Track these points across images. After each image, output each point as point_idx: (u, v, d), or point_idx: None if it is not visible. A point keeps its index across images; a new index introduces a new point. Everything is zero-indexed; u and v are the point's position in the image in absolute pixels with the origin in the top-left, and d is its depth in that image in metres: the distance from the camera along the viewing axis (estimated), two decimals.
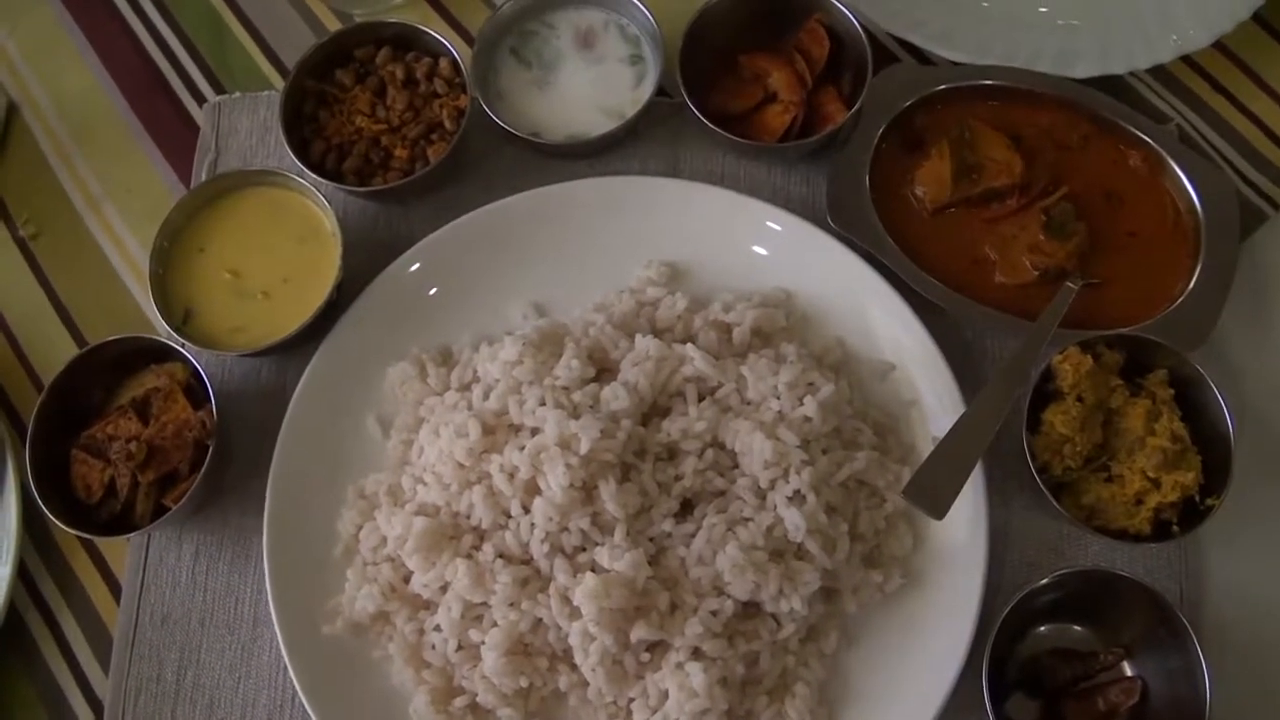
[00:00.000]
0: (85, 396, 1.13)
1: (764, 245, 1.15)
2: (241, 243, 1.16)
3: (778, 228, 1.14)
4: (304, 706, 1.03)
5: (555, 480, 0.98)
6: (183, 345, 1.12)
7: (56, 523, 1.06)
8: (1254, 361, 1.12)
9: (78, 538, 1.15)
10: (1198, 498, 0.99)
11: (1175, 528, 1.00)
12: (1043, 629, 1.05)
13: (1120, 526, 1.00)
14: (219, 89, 1.36)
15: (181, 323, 1.13)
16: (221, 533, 1.15)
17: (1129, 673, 1.02)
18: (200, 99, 1.35)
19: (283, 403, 1.12)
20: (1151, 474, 0.99)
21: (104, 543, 1.18)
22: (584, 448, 0.98)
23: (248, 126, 1.31)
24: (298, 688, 1.03)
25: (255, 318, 1.14)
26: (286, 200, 1.18)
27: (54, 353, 1.24)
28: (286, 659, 1.04)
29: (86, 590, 1.17)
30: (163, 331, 1.14)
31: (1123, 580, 0.98)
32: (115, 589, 1.16)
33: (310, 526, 1.10)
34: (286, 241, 1.16)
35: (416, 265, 1.16)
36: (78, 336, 1.26)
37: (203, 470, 1.06)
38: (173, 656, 1.12)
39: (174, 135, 1.34)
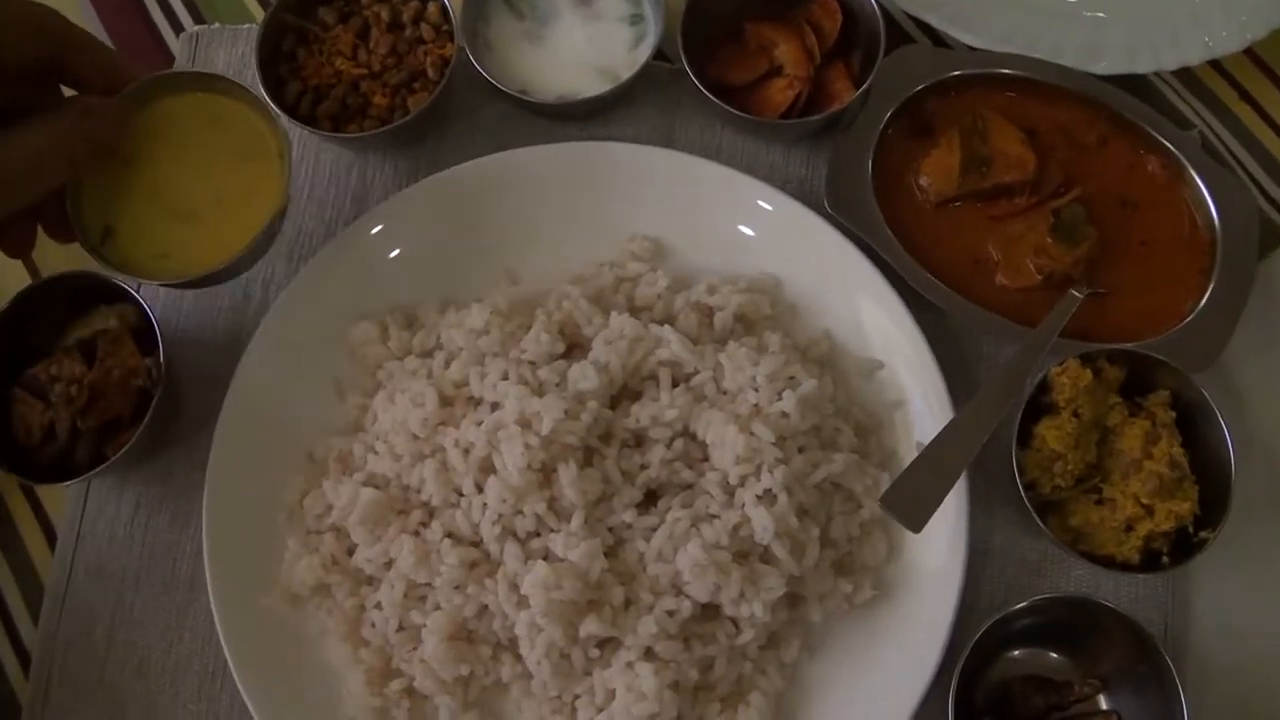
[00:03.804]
0: (34, 334, 1.06)
1: (754, 226, 1.09)
2: (172, 156, 1.00)
3: (770, 208, 1.08)
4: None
5: (511, 460, 0.93)
6: (116, 278, 1.02)
7: None
8: (1263, 389, 1.07)
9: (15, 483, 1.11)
10: (1191, 529, 0.94)
11: (1165, 559, 0.95)
12: (1016, 653, 1.00)
13: (1107, 553, 0.95)
14: (198, 18, 1.30)
15: (99, 243, 0.99)
16: (165, 486, 1.10)
17: (1104, 706, 0.97)
18: (179, 28, 1.29)
19: (239, 355, 1.06)
20: (1145, 500, 0.94)
21: (43, 490, 1.12)
22: (545, 428, 0.93)
23: (224, 60, 1.24)
24: (228, 657, 0.98)
25: (181, 242, 0.99)
26: (229, 111, 1.01)
27: (5, 287, 1.18)
28: (218, 627, 0.99)
29: (22, 536, 1.12)
30: (81, 253, 1.02)
31: (1105, 610, 0.93)
32: (52, 537, 1.11)
33: (254, 488, 1.04)
34: (224, 158, 1.01)
35: (384, 223, 1.10)
36: (34, 270, 1.20)
37: (145, 421, 1.01)
38: (105, 613, 1.07)
39: (148, 63, 1.26)
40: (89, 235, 0.98)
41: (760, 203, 1.08)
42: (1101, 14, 1.18)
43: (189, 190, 1.00)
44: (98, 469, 1.01)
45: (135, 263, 0.99)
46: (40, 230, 0.97)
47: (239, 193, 1.00)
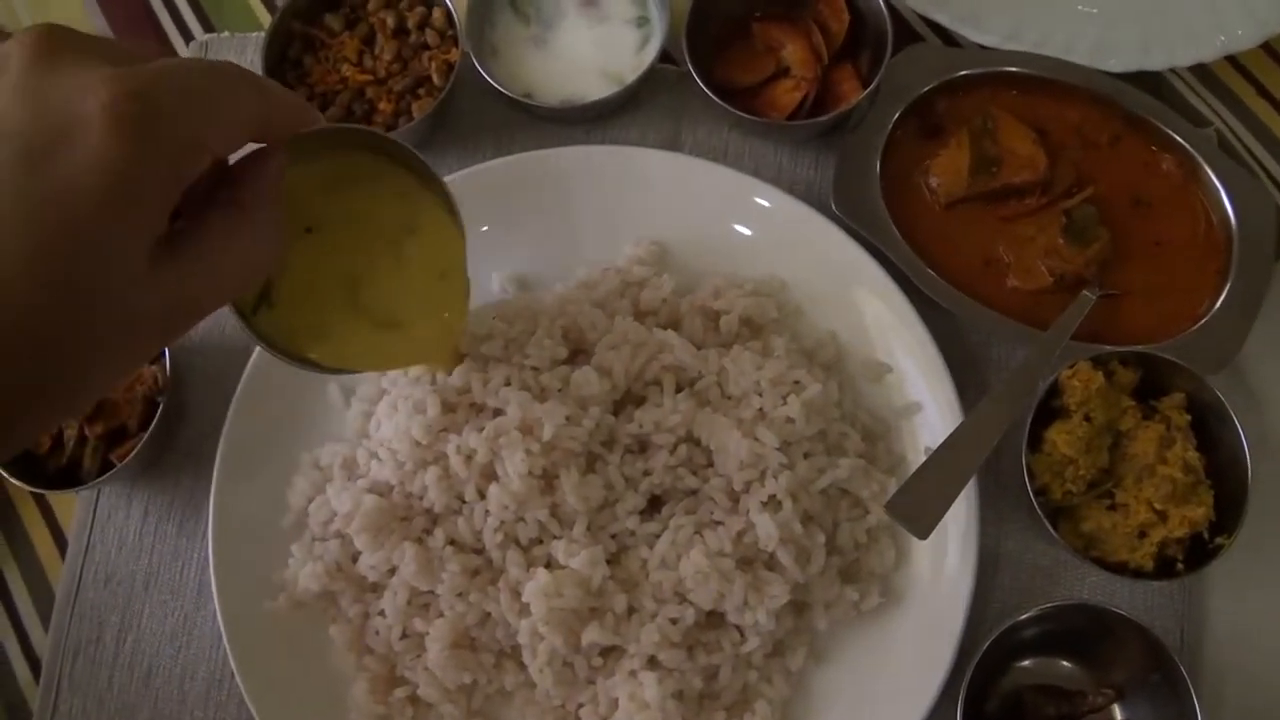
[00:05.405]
0: None
1: (760, 228, 1.08)
2: (371, 242, 0.83)
3: (776, 209, 1.07)
4: None
5: (513, 467, 0.91)
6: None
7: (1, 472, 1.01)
8: (1279, 391, 1.04)
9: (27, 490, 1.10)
10: (1207, 535, 0.92)
11: (1180, 566, 0.93)
12: (1028, 662, 0.98)
13: (1120, 560, 0.93)
14: (208, 27, 1.30)
15: (252, 309, 0.80)
16: (173, 493, 1.10)
17: (1118, 716, 0.95)
18: (188, 36, 1.29)
19: (245, 361, 1.05)
20: (1159, 506, 0.92)
21: (53, 497, 1.13)
22: (547, 434, 0.91)
23: None
24: (232, 663, 0.98)
25: (367, 348, 0.85)
26: (417, 196, 0.83)
27: None
28: (223, 632, 0.99)
29: (33, 543, 1.12)
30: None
31: (1118, 618, 0.91)
32: (63, 544, 1.11)
33: (261, 494, 1.03)
34: (423, 267, 0.85)
35: None
36: None
37: (150, 429, 1.01)
38: (114, 619, 1.07)
39: None
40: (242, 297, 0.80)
41: (766, 204, 1.07)
42: (1114, 10, 1.16)
43: (390, 293, 0.85)
44: (104, 476, 1.01)
45: (291, 336, 0.83)
46: None
47: (433, 307, 0.89)
